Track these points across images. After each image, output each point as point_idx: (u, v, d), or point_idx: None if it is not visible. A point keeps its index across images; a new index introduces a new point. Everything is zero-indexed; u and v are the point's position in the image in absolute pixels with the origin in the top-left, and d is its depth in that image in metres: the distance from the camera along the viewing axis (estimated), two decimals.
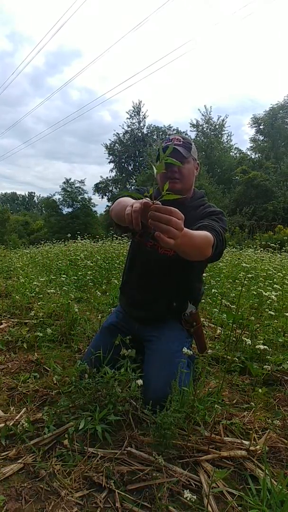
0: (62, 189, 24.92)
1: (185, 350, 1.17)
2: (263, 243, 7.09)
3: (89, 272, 3.44)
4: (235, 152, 27.18)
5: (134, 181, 27.33)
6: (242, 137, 69.40)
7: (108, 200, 29.84)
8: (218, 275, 3.41)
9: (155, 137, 29.24)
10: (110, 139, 32.83)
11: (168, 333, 1.36)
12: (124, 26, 75.70)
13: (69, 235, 6.92)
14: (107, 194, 30.58)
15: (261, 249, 5.77)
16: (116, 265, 4.02)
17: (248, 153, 26.16)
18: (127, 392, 1.14)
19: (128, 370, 1.19)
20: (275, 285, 2.43)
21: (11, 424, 1.11)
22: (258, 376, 1.50)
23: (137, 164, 30.18)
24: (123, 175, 30.37)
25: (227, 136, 27.00)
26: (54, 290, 2.51)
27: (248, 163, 21.53)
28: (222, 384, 1.22)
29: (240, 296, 1.71)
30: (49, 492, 0.88)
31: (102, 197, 30.77)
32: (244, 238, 11.83)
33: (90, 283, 3.25)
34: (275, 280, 3.06)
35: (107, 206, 27.60)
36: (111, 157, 30.63)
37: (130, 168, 30.84)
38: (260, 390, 1.26)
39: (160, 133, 29.38)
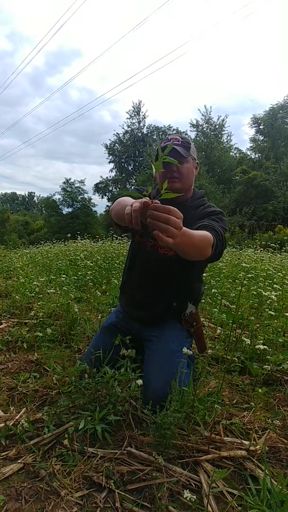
0: (62, 189, 24.96)
1: (185, 350, 1.17)
2: (263, 243, 7.09)
3: (89, 272, 3.44)
4: (235, 152, 27.25)
5: (134, 181, 27.33)
6: (242, 137, 69.58)
7: (108, 200, 29.82)
8: (218, 275, 3.41)
9: (155, 137, 29.18)
10: (110, 139, 32.91)
11: (168, 333, 1.36)
12: (124, 26, 75.93)
13: (69, 235, 6.94)
14: (107, 194, 30.56)
15: (261, 249, 5.77)
16: (116, 265, 4.02)
17: (248, 153, 26.24)
18: (127, 392, 1.14)
19: (128, 370, 1.19)
20: (275, 285, 2.43)
21: (11, 424, 1.11)
22: (258, 376, 1.50)
23: (137, 164, 30.15)
24: (123, 175, 30.34)
25: (227, 136, 27.09)
26: (54, 290, 2.51)
27: (248, 163, 21.54)
28: (222, 384, 1.22)
29: (240, 296, 1.70)
30: (49, 492, 0.88)
31: (102, 197, 30.80)
32: (244, 238, 11.84)
33: (90, 283, 3.24)
34: (275, 280, 3.06)
35: (107, 206, 27.60)
36: (111, 157, 30.62)
37: (130, 168, 30.81)
38: (260, 390, 1.26)
39: (160, 133, 29.33)
